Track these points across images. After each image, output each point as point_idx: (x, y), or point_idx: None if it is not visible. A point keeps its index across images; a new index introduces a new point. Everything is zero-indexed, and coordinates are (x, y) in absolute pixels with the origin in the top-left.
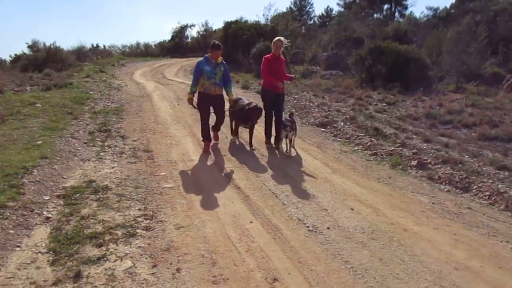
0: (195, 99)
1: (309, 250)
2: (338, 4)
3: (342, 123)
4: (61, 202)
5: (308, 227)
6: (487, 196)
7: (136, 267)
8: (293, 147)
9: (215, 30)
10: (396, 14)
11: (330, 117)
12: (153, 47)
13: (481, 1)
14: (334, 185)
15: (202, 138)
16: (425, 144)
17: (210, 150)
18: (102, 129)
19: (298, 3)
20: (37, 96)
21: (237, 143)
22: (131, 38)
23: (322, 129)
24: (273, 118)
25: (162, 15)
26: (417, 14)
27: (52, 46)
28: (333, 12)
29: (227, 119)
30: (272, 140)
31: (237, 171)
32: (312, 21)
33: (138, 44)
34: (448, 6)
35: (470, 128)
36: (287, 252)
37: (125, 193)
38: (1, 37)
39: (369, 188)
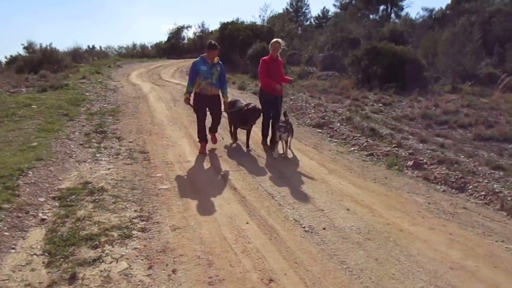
0: (191, 100)
1: (305, 250)
2: (334, 5)
3: (338, 124)
4: (57, 204)
5: (304, 227)
6: (483, 196)
7: (131, 269)
8: (289, 149)
9: (212, 31)
10: (392, 15)
11: (326, 118)
12: (150, 48)
13: (477, 2)
14: (330, 186)
15: (198, 139)
16: (421, 145)
17: (207, 151)
18: (98, 130)
19: (294, 4)
20: (32, 98)
21: (234, 145)
22: (127, 39)
23: (318, 130)
24: (271, 120)
25: (158, 16)
26: (413, 15)
27: (47, 47)
28: (330, 13)
29: (223, 120)
30: (269, 141)
31: (233, 172)
32: (308, 22)
33: (134, 45)
34: (443, 7)
35: (465, 128)
36: (283, 253)
37: (121, 194)
38: None
39: (365, 188)
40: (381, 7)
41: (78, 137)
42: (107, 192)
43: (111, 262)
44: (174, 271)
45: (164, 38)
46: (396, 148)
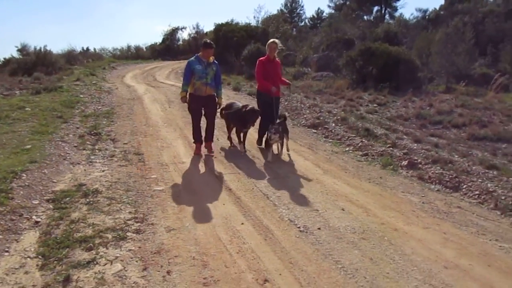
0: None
1: (300, 250)
2: (328, 6)
3: (333, 124)
4: (51, 206)
5: (299, 227)
6: (477, 195)
7: (126, 270)
8: (287, 153)
9: (206, 32)
10: (386, 16)
11: (321, 118)
12: (144, 49)
13: (470, 3)
14: (325, 186)
15: (193, 140)
16: (416, 144)
17: (202, 152)
18: (92, 132)
19: (289, 5)
20: (26, 100)
21: (232, 148)
22: (122, 41)
23: (313, 130)
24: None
25: (153, 18)
26: (407, 15)
27: (41, 50)
28: (324, 14)
29: (218, 121)
30: (264, 143)
31: (228, 172)
32: (303, 23)
33: (129, 47)
34: (437, 8)
35: (459, 128)
36: (278, 253)
37: (115, 196)
38: None
39: (360, 188)
40: (375, 8)
41: (72, 139)
42: (102, 194)
43: (106, 264)
44: (168, 272)
45: (158, 39)
46: (391, 148)
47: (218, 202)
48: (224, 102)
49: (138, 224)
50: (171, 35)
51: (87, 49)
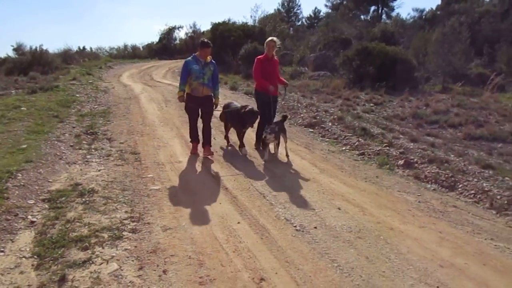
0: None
1: (296, 249)
2: (325, 5)
3: (330, 124)
4: (46, 206)
5: (295, 226)
6: (472, 195)
7: (122, 270)
8: (287, 155)
9: (203, 31)
10: (383, 15)
11: (318, 117)
12: (141, 49)
13: (466, 3)
14: (321, 185)
15: (190, 140)
16: (412, 144)
17: (198, 151)
18: (88, 131)
19: (286, 4)
20: (22, 100)
21: (229, 148)
22: (118, 40)
23: (310, 130)
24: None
25: (149, 17)
26: (404, 15)
27: (37, 49)
28: (321, 13)
29: (217, 122)
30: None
31: (224, 172)
32: (300, 22)
33: (125, 46)
34: (434, 8)
35: (456, 127)
36: (274, 252)
37: (111, 195)
38: None
39: (356, 187)
40: (372, 8)
41: (68, 138)
42: (98, 194)
43: (101, 264)
44: (165, 271)
45: (155, 38)
46: (387, 148)
47: (215, 201)
48: (222, 101)
49: (134, 223)
50: (168, 34)
51: (84, 48)
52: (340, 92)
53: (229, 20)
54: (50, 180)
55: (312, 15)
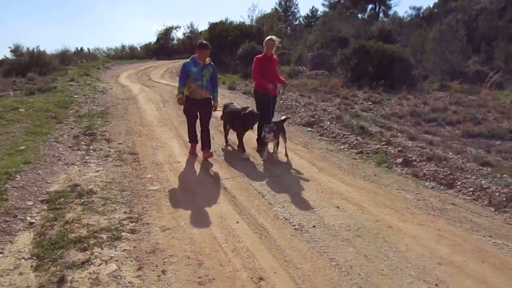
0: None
1: (295, 248)
2: (323, 4)
3: (328, 123)
4: (45, 207)
5: (294, 225)
6: (471, 192)
7: (121, 270)
8: (286, 154)
9: (201, 31)
10: (381, 14)
11: (316, 116)
12: (139, 49)
13: (464, 1)
14: (320, 184)
15: (188, 140)
16: (410, 142)
17: (197, 151)
18: (87, 132)
19: (283, 3)
20: (20, 101)
21: (228, 147)
22: (116, 41)
23: (308, 129)
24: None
25: (147, 18)
26: (401, 13)
27: (35, 50)
28: (318, 12)
29: (216, 122)
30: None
31: (223, 172)
32: (297, 22)
33: (123, 46)
34: (431, 6)
35: (454, 125)
36: (273, 251)
37: (110, 196)
38: None
39: (355, 186)
40: (369, 6)
41: (66, 139)
42: (96, 195)
43: (100, 264)
44: (163, 271)
45: (153, 39)
46: (386, 146)
47: (213, 201)
48: (221, 101)
49: (133, 224)
50: (166, 34)
51: (81, 49)
52: (338, 91)
53: (226, 19)
54: (49, 181)
55: (310, 14)
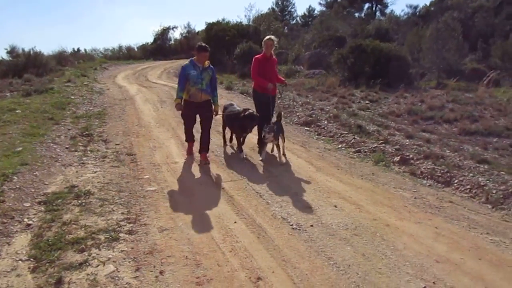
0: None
1: (292, 248)
2: (320, 3)
3: (325, 122)
4: (42, 209)
5: (292, 225)
6: (468, 190)
7: (119, 271)
8: (283, 155)
9: (198, 31)
10: (377, 12)
11: (313, 115)
12: (136, 50)
13: None
14: (318, 183)
15: (185, 139)
16: (408, 140)
17: (194, 151)
18: (84, 133)
19: (280, 3)
20: (17, 102)
21: (226, 147)
22: (113, 41)
23: (306, 128)
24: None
25: (144, 18)
26: (398, 12)
27: (31, 51)
28: (315, 11)
29: (214, 122)
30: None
31: (221, 172)
32: (294, 21)
33: (120, 47)
34: (428, 4)
35: (451, 123)
36: (271, 251)
37: (108, 197)
38: None
39: (353, 185)
40: (366, 5)
41: (64, 140)
42: (94, 196)
43: (98, 266)
44: (161, 272)
45: (150, 39)
46: (383, 144)
47: (211, 201)
48: (218, 102)
49: (131, 224)
50: (163, 35)
51: (78, 50)
52: (335, 90)
53: (223, 19)
54: (46, 183)
55: (307, 13)
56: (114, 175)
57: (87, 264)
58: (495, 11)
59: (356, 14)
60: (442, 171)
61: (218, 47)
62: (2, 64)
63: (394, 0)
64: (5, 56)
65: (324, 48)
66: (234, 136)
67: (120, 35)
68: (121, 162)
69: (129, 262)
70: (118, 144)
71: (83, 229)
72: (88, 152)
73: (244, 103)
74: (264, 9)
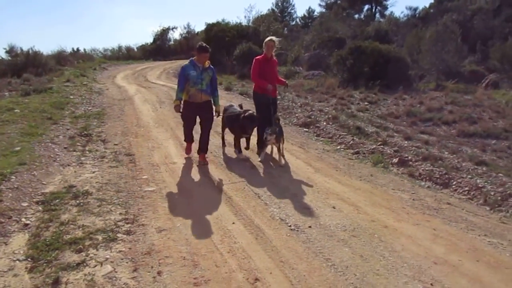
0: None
1: (290, 249)
2: (319, 5)
3: (324, 123)
4: (40, 208)
5: (290, 226)
6: (466, 191)
7: (116, 272)
8: (283, 157)
9: (197, 32)
10: (377, 14)
11: (312, 117)
12: (135, 50)
13: (459, 1)
14: (316, 184)
15: (184, 139)
16: (406, 142)
17: (192, 152)
18: (82, 133)
19: (279, 4)
20: (15, 102)
21: (225, 147)
22: (112, 42)
23: (305, 129)
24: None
25: (143, 19)
26: (398, 14)
27: (30, 51)
28: (315, 13)
29: (213, 123)
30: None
31: (219, 173)
32: (294, 22)
33: (120, 47)
34: (427, 6)
35: (449, 125)
36: (269, 252)
37: (106, 197)
38: None
39: (351, 186)
40: (366, 7)
41: (62, 140)
42: (92, 196)
43: (96, 266)
44: (159, 273)
45: (149, 39)
46: (382, 146)
47: (209, 202)
48: (220, 103)
49: (129, 225)
50: (162, 35)
51: (78, 50)
52: (334, 91)
53: (223, 20)
54: (44, 183)
55: (306, 14)
56: (113, 175)
57: (85, 264)
58: (494, 13)
59: (356, 16)
60: (440, 172)
61: (218, 48)
62: (1, 63)
63: (394, 2)
64: (4, 55)
65: (323, 49)
66: (230, 137)
67: (120, 35)
68: (120, 162)
69: (126, 262)
70: (116, 144)
71: (81, 229)
72: (87, 152)
73: (244, 105)
74: (264, 10)
